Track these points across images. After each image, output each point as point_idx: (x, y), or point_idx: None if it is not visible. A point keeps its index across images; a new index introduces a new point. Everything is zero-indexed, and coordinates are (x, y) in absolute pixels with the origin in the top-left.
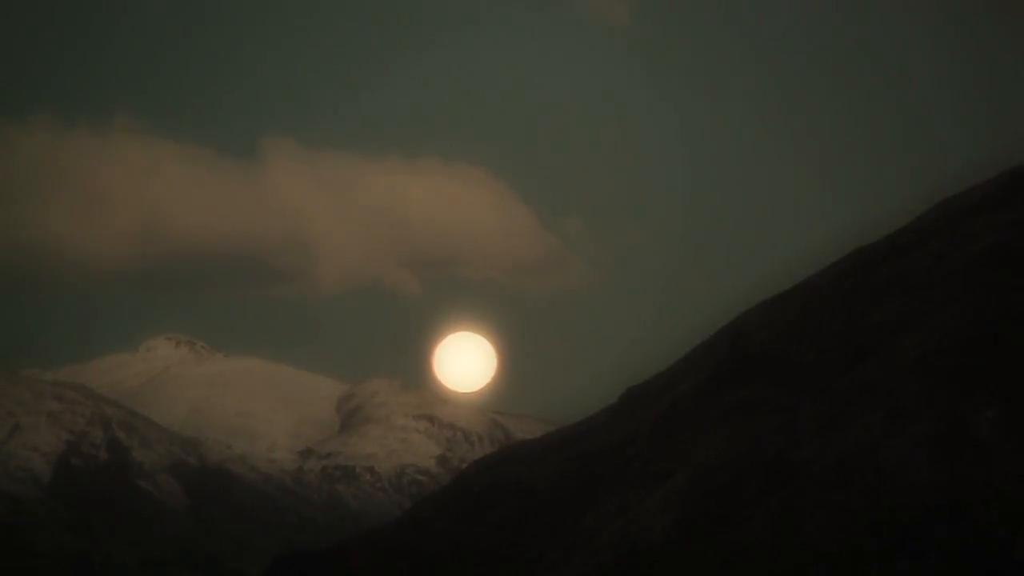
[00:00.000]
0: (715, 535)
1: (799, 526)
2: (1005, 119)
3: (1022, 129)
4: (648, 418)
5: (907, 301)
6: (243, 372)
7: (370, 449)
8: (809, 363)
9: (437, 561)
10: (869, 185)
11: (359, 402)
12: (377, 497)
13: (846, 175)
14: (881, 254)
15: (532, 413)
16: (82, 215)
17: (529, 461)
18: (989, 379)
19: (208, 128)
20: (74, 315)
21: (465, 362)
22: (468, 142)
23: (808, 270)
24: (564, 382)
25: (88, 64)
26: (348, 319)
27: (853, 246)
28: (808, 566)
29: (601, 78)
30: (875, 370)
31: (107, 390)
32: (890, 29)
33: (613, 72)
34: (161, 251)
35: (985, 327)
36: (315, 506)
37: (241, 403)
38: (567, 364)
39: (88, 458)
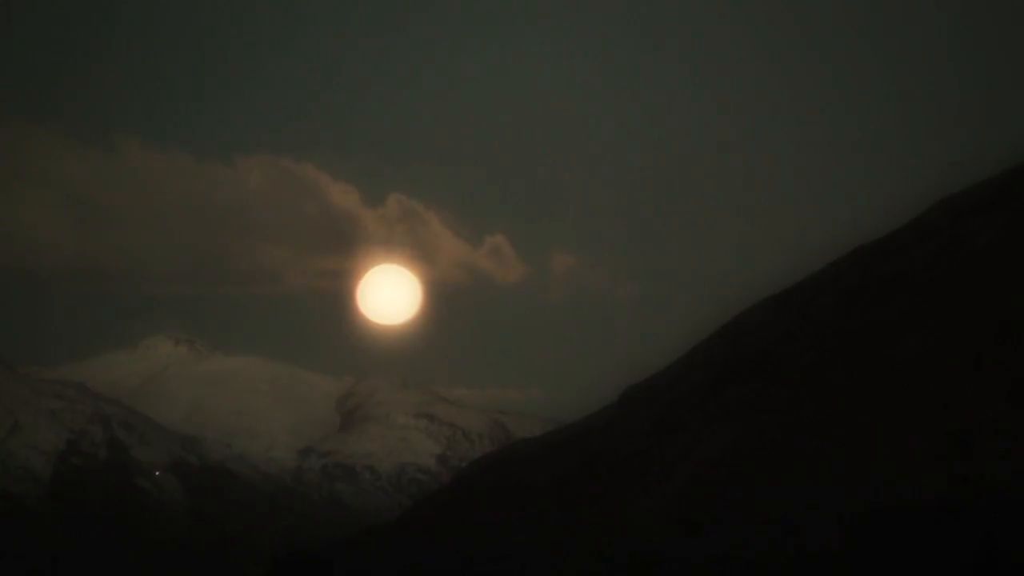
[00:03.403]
0: (715, 535)
1: (799, 526)
2: (1005, 119)
3: (1022, 129)
4: (648, 417)
5: (907, 301)
6: (242, 370)
7: (370, 448)
8: (809, 363)
9: (437, 560)
10: (869, 185)
11: (359, 400)
12: (377, 496)
13: (846, 174)
14: (881, 254)
15: (532, 412)
16: (82, 215)
17: (529, 460)
18: (989, 379)
19: (192, 136)
20: (73, 313)
21: (390, 295)
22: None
23: (808, 270)
24: (565, 381)
25: (90, 77)
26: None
27: (853, 246)
28: (808, 566)
29: (600, 73)
30: (875, 370)
31: (107, 388)
32: (890, 28)
33: (611, 66)
34: (159, 249)
35: (985, 327)
36: (315, 505)
37: (241, 401)
38: (568, 363)
39: (88, 457)
